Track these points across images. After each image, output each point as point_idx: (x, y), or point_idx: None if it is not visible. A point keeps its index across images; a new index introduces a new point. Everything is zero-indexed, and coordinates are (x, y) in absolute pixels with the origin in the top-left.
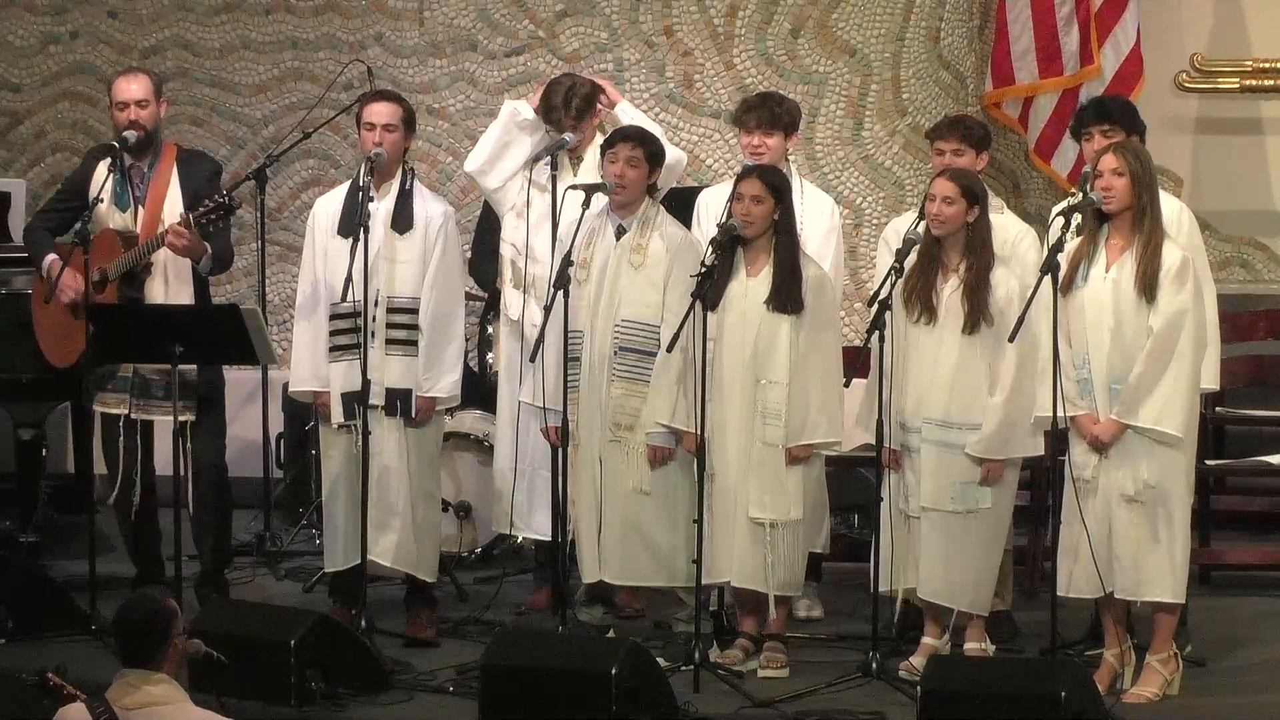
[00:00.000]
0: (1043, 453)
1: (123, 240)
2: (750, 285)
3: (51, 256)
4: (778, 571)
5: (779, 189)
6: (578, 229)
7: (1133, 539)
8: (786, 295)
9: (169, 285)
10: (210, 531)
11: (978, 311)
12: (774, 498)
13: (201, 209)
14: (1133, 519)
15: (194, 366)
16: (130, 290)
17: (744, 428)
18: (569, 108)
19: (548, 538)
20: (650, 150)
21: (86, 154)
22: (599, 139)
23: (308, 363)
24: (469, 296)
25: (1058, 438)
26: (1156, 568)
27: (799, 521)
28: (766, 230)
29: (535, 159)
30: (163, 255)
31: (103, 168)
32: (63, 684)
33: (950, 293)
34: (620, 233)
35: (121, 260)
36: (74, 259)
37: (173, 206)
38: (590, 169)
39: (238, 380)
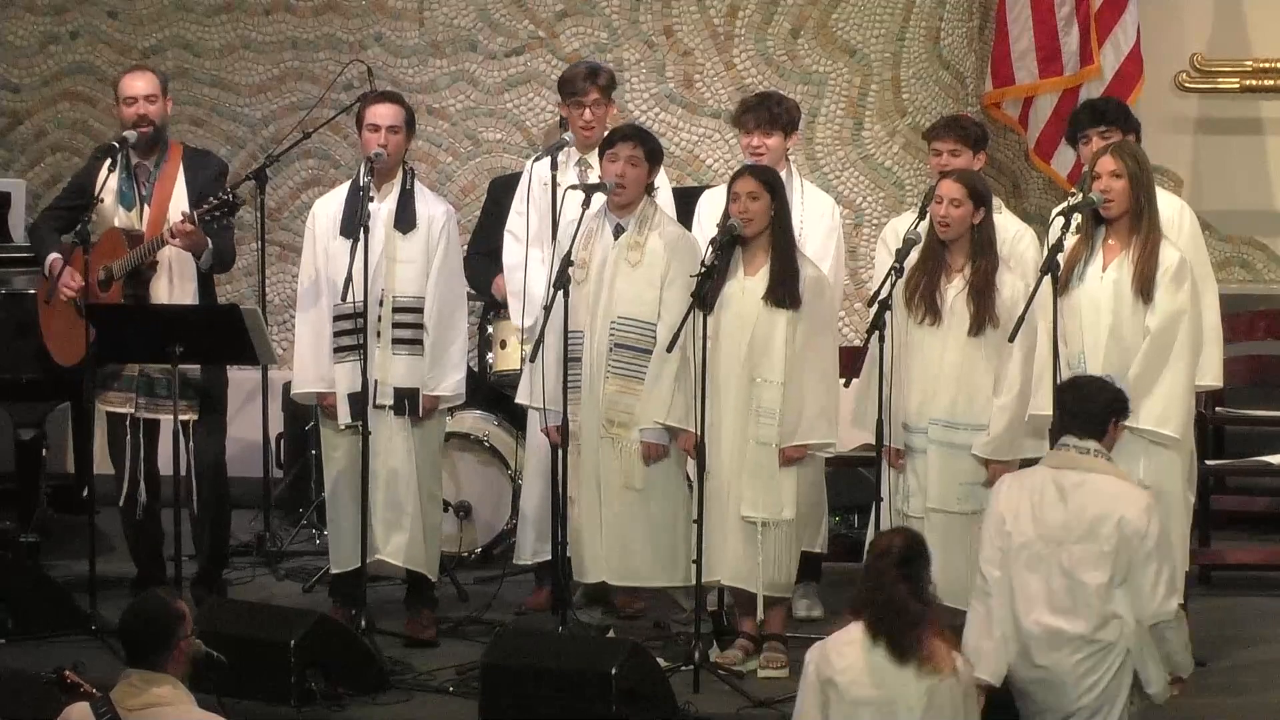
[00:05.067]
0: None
1: (128, 239)
2: (748, 284)
3: (53, 255)
4: (767, 571)
5: (773, 185)
6: (577, 229)
7: None
8: (784, 290)
9: (173, 283)
10: (207, 531)
11: (984, 313)
12: (766, 497)
13: (206, 205)
14: None
15: (197, 368)
16: (135, 289)
17: (738, 426)
18: (596, 79)
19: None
20: (650, 149)
21: (93, 153)
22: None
23: (311, 364)
24: (470, 296)
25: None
26: None
27: (791, 522)
28: (765, 228)
29: (536, 158)
30: (167, 253)
31: (106, 166)
32: (80, 681)
33: (955, 294)
34: (618, 232)
35: (126, 259)
36: (75, 258)
37: (179, 205)
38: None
39: (238, 380)
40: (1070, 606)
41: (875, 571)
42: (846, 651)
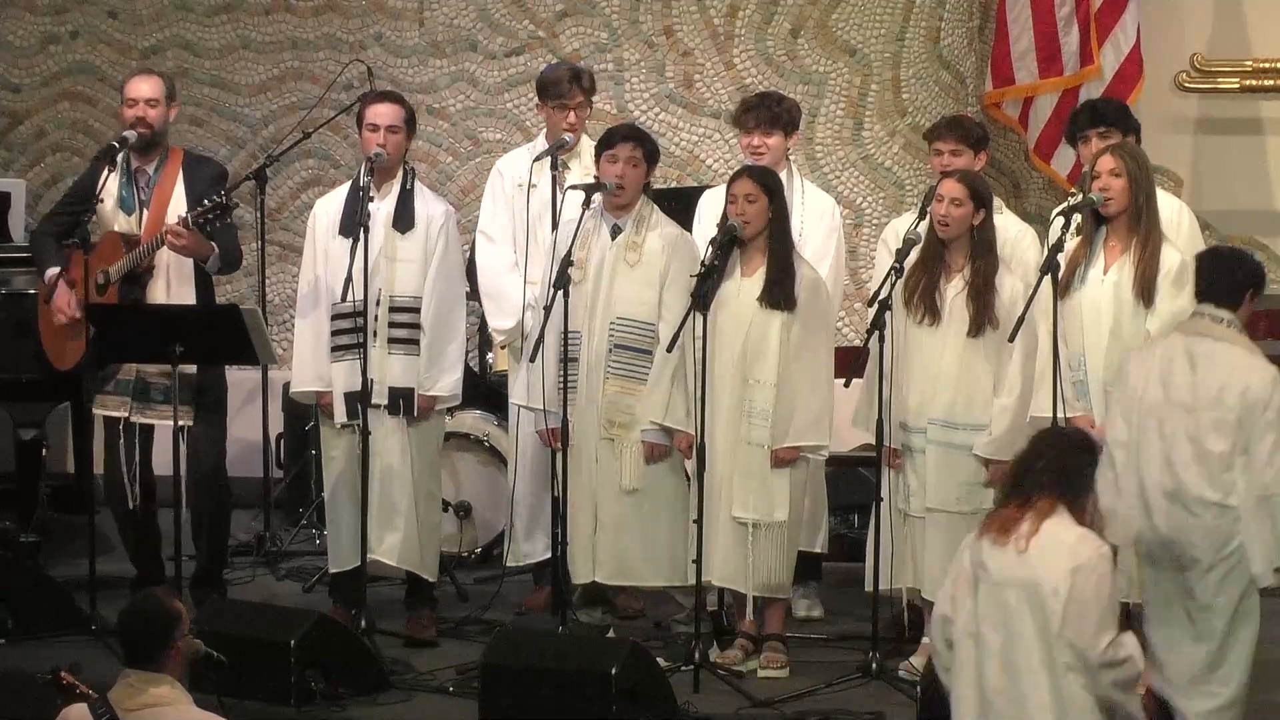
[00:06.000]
0: None
1: (126, 243)
2: (744, 285)
3: (51, 271)
4: (758, 572)
5: (771, 187)
6: (576, 230)
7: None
8: (779, 291)
9: (171, 286)
10: (207, 532)
11: (983, 314)
12: (757, 498)
13: (199, 209)
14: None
15: (194, 370)
16: (132, 291)
17: (731, 427)
18: (580, 81)
19: (546, 556)
20: (649, 149)
21: (94, 158)
22: (586, 144)
23: (310, 363)
24: (470, 296)
25: None
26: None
27: (783, 524)
28: (763, 230)
29: (536, 159)
30: (165, 256)
31: (107, 167)
32: (75, 682)
33: (954, 294)
34: (615, 232)
35: (122, 262)
36: (75, 262)
37: (177, 210)
38: (578, 176)
39: (238, 380)
40: (1196, 472)
41: (1039, 444)
42: (996, 529)
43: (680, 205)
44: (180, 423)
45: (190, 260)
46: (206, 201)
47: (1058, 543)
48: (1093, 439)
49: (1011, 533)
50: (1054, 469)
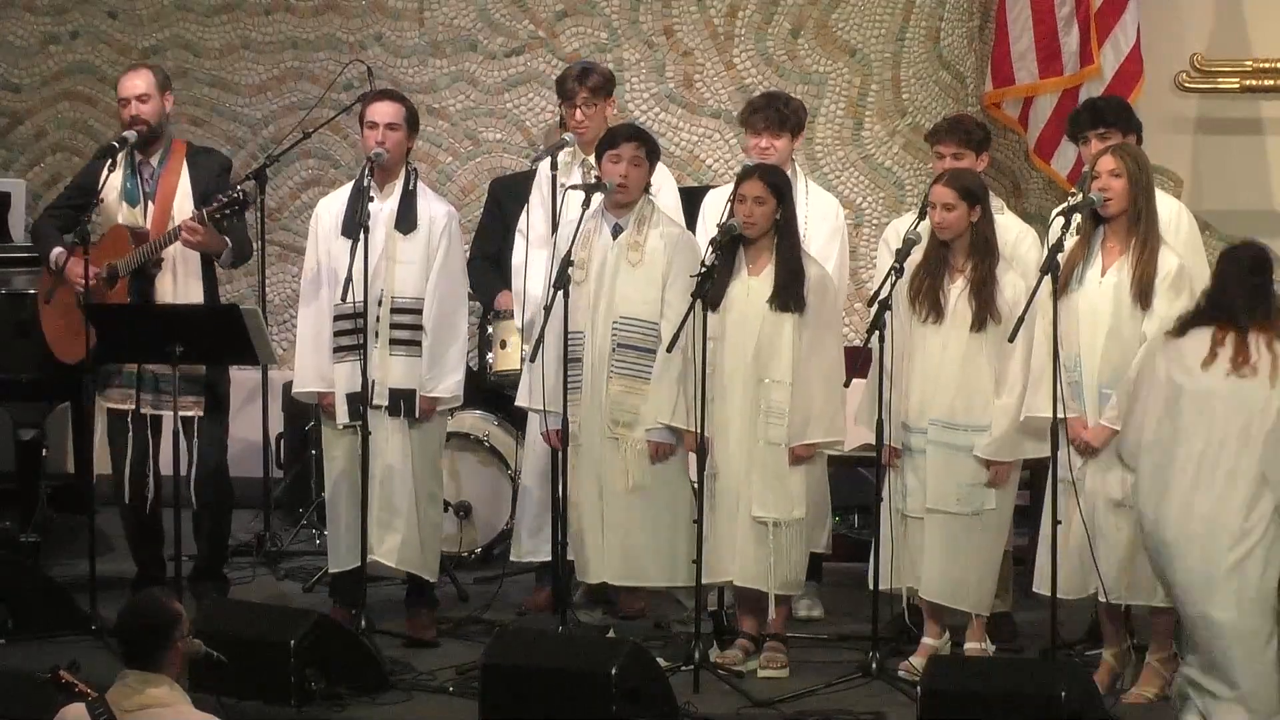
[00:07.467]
0: (1049, 454)
1: (133, 236)
2: (752, 285)
3: (57, 250)
4: (780, 571)
5: (780, 188)
6: (576, 229)
7: (1120, 543)
8: (789, 294)
9: (178, 281)
10: (208, 527)
11: (985, 309)
12: (777, 497)
13: (215, 204)
14: (1118, 523)
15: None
16: (140, 286)
17: (747, 427)
18: (585, 80)
19: (548, 557)
20: (650, 148)
21: (96, 152)
22: None
23: (311, 363)
24: (470, 297)
25: (1057, 438)
26: (1145, 572)
27: (801, 521)
28: (768, 230)
29: (537, 158)
30: (173, 251)
31: (107, 166)
32: (74, 681)
33: (958, 293)
34: (617, 231)
35: (133, 256)
36: (77, 255)
37: (183, 203)
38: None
39: (238, 380)
40: None
41: (1221, 274)
42: (1201, 349)
43: (682, 205)
44: (190, 413)
45: (197, 254)
46: (222, 196)
47: (1261, 359)
48: (1266, 255)
49: (1214, 350)
50: (1242, 293)
